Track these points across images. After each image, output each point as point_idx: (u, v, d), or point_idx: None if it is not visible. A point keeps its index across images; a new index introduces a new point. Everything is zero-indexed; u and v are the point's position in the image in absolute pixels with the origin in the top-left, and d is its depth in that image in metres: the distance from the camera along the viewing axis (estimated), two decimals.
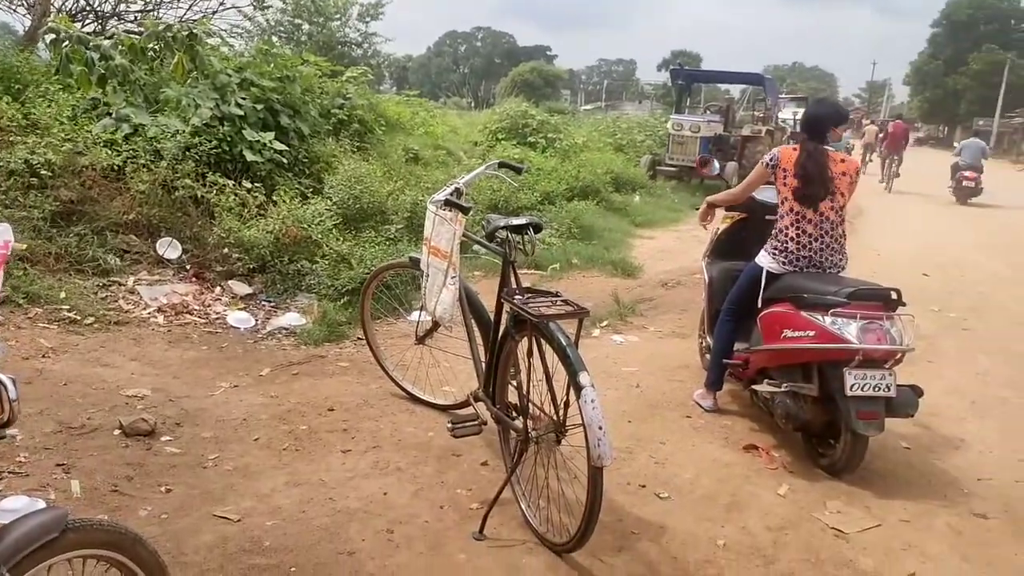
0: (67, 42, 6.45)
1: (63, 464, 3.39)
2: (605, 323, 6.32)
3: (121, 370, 4.57)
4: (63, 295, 5.31)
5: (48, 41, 7.34)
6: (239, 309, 5.85)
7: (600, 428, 2.68)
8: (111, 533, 1.82)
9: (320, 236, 6.52)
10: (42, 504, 2.85)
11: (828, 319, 3.69)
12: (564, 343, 2.83)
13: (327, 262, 6.34)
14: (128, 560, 1.83)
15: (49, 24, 7.53)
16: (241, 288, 6.20)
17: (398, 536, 3.06)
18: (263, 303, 6.09)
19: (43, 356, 4.57)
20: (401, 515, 3.21)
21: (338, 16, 30.88)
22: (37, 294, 5.22)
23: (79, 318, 5.17)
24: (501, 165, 4.17)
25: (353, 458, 3.72)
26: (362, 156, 8.99)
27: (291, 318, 5.76)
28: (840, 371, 3.63)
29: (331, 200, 7.25)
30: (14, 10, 11.10)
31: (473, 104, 46.20)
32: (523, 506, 3.20)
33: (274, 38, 22.13)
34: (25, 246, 5.47)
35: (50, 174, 6.07)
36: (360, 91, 10.60)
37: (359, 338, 5.28)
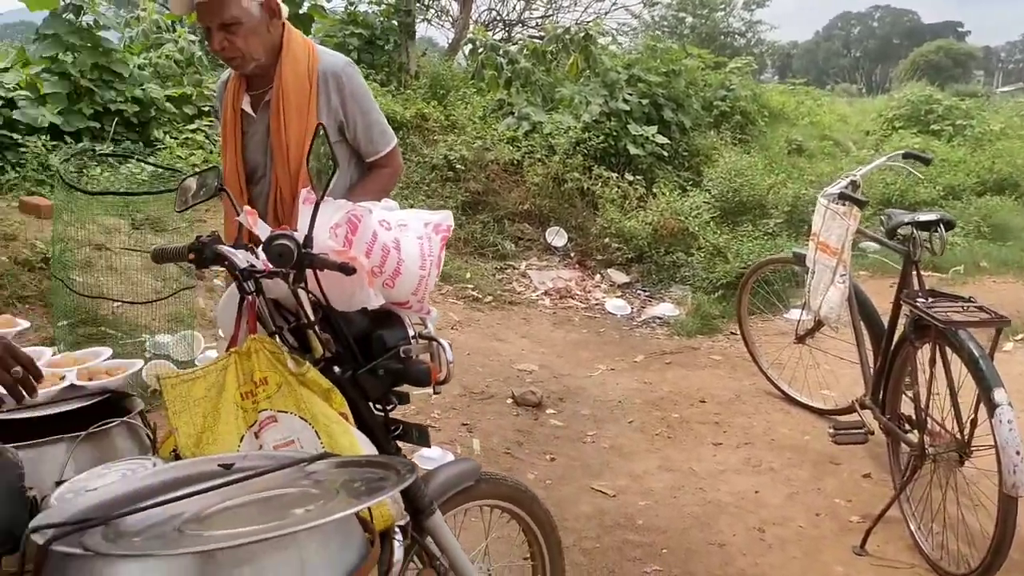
0: (482, 50, 7.27)
1: (466, 424, 3.86)
2: (1020, 336, 5.48)
3: (513, 345, 5.06)
4: (468, 275, 6.02)
5: (467, 51, 8.33)
6: (616, 297, 6.14)
7: (1017, 453, 2.37)
8: (514, 489, 2.02)
9: (697, 229, 6.56)
10: (451, 456, 3.27)
11: None
12: (977, 354, 2.54)
13: (703, 255, 6.36)
14: (526, 515, 2.02)
15: (468, 36, 8.54)
16: (619, 277, 6.49)
17: (770, 536, 2.99)
18: (639, 292, 6.30)
19: (452, 328, 5.23)
20: (774, 516, 3.13)
21: (723, 7, 30.61)
22: (448, 274, 5.97)
23: (480, 296, 5.82)
24: (906, 156, 3.84)
25: (724, 452, 3.71)
26: (743, 148, 8.82)
27: (665, 308, 5.89)
28: None
29: (709, 193, 7.25)
30: (442, 25, 12.84)
31: (865, 90, 42.63)
32: (912, 527, 2.92)
33: (657, 32, 22.60)
34: None
35: (463, 168, 6.93)
36: (743, 82, 10.38)
37: (732, 332, 5.22)
